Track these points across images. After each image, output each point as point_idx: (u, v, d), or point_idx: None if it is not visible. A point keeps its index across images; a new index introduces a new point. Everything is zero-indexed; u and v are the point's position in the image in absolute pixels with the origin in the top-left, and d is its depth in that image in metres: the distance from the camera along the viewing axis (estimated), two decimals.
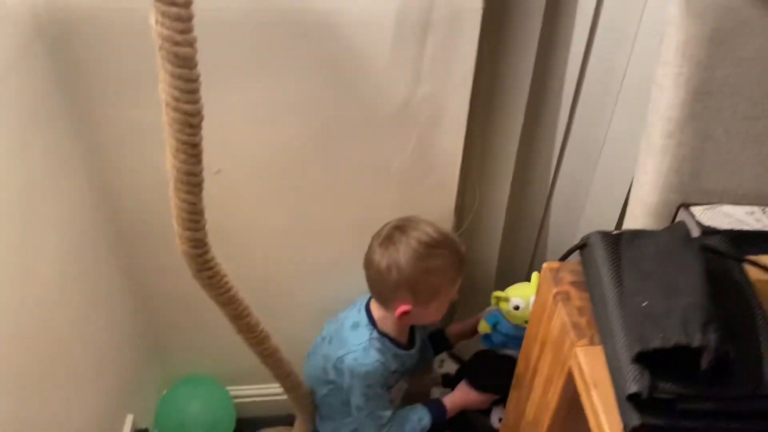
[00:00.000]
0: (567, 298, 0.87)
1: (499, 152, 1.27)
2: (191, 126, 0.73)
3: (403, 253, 1.06)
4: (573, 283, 0.89)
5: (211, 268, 0.88)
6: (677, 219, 1.00)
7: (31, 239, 0.89)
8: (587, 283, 0.87)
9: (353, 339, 1.18)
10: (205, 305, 1.34)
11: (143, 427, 1.29)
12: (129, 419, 1.24)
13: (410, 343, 1.25)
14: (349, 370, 1.17)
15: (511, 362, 1.08)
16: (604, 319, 0.80)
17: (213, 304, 1.30)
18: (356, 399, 1.19)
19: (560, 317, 0.86)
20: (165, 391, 1.47)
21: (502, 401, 1.23)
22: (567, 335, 0.84)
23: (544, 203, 1.45)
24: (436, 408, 1.27)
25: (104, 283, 1.15)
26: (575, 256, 0.90)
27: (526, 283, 1.24)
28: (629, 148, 1.32)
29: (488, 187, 1.31)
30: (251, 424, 1.57)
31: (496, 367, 1.20)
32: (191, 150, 0.75)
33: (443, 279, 1.10)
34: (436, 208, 1.19)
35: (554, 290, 0.88)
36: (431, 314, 1.16)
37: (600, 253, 0.84)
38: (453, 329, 1.41)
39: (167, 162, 0.77)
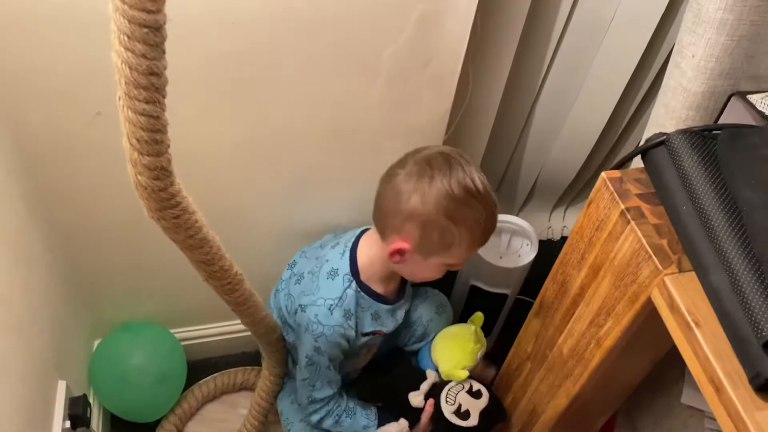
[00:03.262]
0: (640, 214, 0.70)
1: (504, 33, 1.05)
2: None
3: (438, 186, 0.87)
4: (641, 196, 0.73)
5: (177, 204, 0.65)
6: (727, 109, 0.85)
7: None
8: (663, 195, 0.71)
9: (324, 290, 0.98)
10: (133, 238, 1.09)
11: (79, 393, 1.04)
12: (61, 387, 1.00)
13: (397, 297, 1.07)
14: (305, 323, 0.99)
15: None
16: (702, 241, 0.64)
17: (142, 237, 1.05)
18: (301, 356, 1.02)
19: (633, 239, 0.70)
20: (97, 343, 1.22)
21: None
22: (645, 261, 0.68)
23: (528, 108, 1.27)
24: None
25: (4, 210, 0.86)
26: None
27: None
28: (632, 37, 1.16)
29: (483, 81, 1.10)
30: (203, 368, 1.36)
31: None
32: (154, 36, 0.50)
33: (462, 234, 0.91)
34: (430, 107, 0.98)
35: (621, 206, 0.71)
36: (426, 270, 0.98)
37: (690, 157, 0.68)
38: None
39: (114, 55, 0.52)
